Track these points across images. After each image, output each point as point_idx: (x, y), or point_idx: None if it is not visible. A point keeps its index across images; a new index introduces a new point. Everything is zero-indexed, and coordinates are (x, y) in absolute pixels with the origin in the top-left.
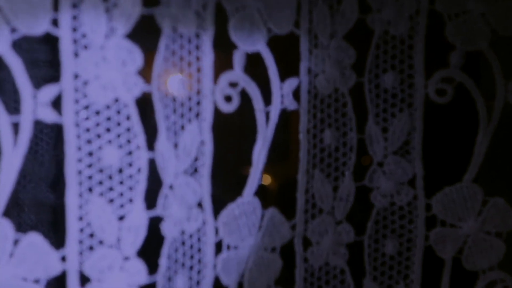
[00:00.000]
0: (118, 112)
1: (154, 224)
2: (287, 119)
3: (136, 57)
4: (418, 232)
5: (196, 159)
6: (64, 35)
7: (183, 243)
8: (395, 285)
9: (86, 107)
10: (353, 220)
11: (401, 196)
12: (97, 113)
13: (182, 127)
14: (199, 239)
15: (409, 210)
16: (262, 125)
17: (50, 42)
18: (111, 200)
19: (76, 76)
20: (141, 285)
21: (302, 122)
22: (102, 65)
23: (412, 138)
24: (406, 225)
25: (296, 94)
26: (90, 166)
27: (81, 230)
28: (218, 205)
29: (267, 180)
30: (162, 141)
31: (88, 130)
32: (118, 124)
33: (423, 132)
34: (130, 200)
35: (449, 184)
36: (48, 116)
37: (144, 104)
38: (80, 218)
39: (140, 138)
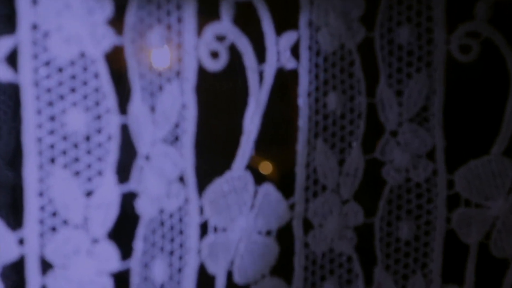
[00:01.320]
0: (85, 69)
1: (128, 201)
2: (284, 81)
3: (105, 4)
4: (438, 213)
5: (176, 126)
6: None
7: (162, 223)
8: (411, 275)
9: (47, 63)
10: (362, 199)
11: (418, 171)
12: (60, 70)
13: (160, 88)
14: (180, 220)
15: (427, 188)
16: (255, 86)
17: None
18: (77, 173)
19: (34, 27)
20: (113, 272)
21: (302, 84)
22: (65, 14)
23: (431, 103)
24: (424, 205)
25: (295, 51)
26: (51, 132)
27: (42, 208)
28: (203, 179)
29: (267, 166)
30: (137, 103)
31: (49, 90)
32: (85, 83)
33: (445, 96)
34: (99, 173)
35: (475, 157)
36: (2, 74)
37: (115, 60)
38: (41, 194)
39: (110, 100)
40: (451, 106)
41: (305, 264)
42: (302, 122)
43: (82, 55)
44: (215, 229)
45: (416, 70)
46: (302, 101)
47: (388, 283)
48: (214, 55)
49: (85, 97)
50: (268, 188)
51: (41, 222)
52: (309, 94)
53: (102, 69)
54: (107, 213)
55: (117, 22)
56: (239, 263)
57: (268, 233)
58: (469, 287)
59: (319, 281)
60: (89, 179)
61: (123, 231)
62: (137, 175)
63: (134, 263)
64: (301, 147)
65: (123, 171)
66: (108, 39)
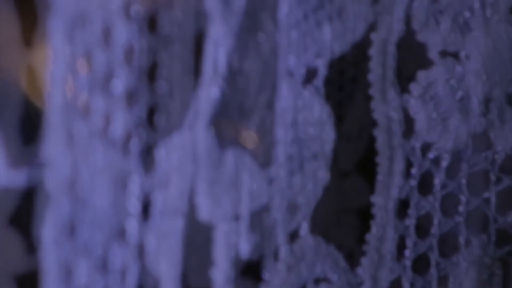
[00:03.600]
0: None
1: (35, 175)
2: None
3: None
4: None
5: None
6: None
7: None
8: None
9: None
10: (367, 173)
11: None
12: None
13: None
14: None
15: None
16: (218, 7)
17: None
18: None
19: None
20: (15, 272)
21: (282, 8)
22: None
23: None
24: (450, 182)
25: None
26: None
27: None
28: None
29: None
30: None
31: None
32: None
33: None
34: None
35: None
36: None
37: None
38: None
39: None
40: None
41: (290, 263)
42: (282, 63)
43: None
44: (161, 214)
45: None
46: (282, 34)
47: None
48: None
49: None
50: (238, 154)
51: None
52: (293, 24)
53: None
54: (5, 192)
55: None
56: (194, 263)
57: (237, 219)
58: None
59: (312, 285)
60: None
61: (28, 216)
62: (46, 137)
63: (47, 262)
64: (281, 98)
65: (27, 132)
66: None
